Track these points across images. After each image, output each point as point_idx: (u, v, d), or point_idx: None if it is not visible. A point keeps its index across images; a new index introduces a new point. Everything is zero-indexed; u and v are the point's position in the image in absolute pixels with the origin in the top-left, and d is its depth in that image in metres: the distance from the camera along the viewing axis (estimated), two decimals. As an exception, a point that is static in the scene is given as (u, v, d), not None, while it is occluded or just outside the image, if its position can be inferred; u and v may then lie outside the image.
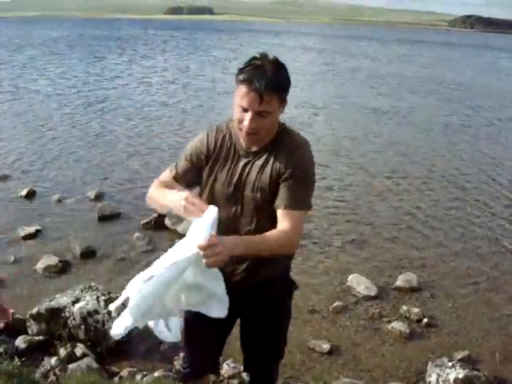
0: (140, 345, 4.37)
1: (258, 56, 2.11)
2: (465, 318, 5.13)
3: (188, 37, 60.16)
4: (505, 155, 11.59)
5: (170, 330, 2.26)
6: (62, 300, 4.35)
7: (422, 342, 4.73)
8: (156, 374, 3.86)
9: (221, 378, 3.91)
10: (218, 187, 2.26)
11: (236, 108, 2.11)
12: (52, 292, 4.92)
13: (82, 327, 4.21)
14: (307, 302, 5.08)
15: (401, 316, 5.06)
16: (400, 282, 5.61)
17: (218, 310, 2.14)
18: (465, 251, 6.68)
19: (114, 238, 6.63)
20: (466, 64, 38.66)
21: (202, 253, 1.85)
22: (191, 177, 2.34)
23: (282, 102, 2.13)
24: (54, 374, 3.72)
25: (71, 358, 3.97)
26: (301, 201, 2.17)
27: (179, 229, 6.52)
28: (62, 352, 4.03)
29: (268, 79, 2.02)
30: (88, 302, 4.31)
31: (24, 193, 7.82)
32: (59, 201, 7.75)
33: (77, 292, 4.46)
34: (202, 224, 1.92)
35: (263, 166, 2.19)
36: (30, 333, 4.33)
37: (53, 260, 5.71)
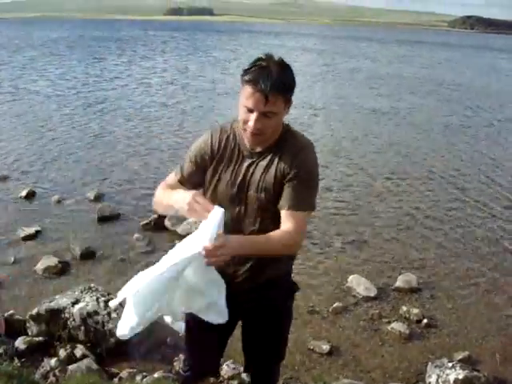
0: (140, 346, 4.37)
1: (263, 57, 2.12)
2: (465, 319, 5.13)
3: (188, 38, 60.17)
4: (504, 156, 11.59)
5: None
6: (62, 301, 4.35)
7: (421, 342, 4.73)
8: (156, 375, 3.86)
9: (221, 379, 3.91)
10: (222, 188, 2.26)
11: (241, 108, 2.12)
12: (52, 293, 4.93)
13: (82, 328, 4.21)
14: (307, 303, 5.08)
15: (400, 317, 5.06)
16: (400, 282, 5.61)
17: (215, 318, 2.15)
18: (464, 252, 6.68)
19: (114, 238, 6.63)
20: (465, 65, 38.67)
21: (203, 252, 1.85)
22: (197, 178, 2.33)
23: (287, 102, 2.14)
24: (54, 375, 3.72)
25: (71, 359, 3.96)
26: (304, 202, 2.18)
27: (179, 230, 6.53)
28: (62, 353, 4.03)
29: (273, 80, 2.02)
30: (88, 302, 4.31)
31: (24, 194, 7.82)
32: (59, 202, 7.75)
33: (76, 293, 4.46)
34: (208, 224, 1.92)
35: (267, 167, 2.20)
36: (29, 334, 4.32)
37: (52, 261, 5.71)
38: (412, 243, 6.85)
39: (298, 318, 4.64)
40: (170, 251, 1.98)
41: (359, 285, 5.49)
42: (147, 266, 2.13)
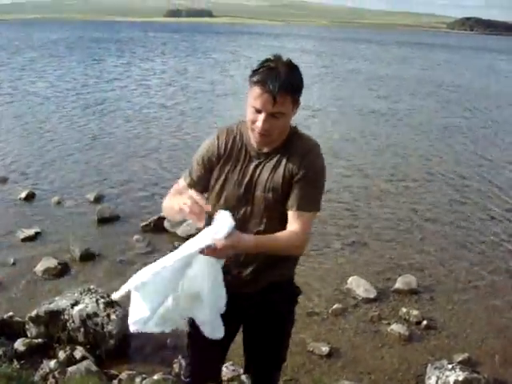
0: (139, 348, 4.37)
1: (271, 58, 2.12)
2: (464, 321, 5.12)
3: (187, 39, 60.25)
4: (502, 157, 11.60)
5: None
6: (61, 302, 4.34)
7: (421, 344, 4.72)
8: (155, 377, 3.85)
9: (220, 381, 3.90)
10: (229, 188, 2.26)
11: (249, 109, 2.13)
12: (51, 294, 4.92)
13: (82, 330, 4.21)
14: (307, 305, 5.08)
15: (400, 318, 5.06)
16: (399, 284, 5.61)
17: (210, 332, 2.17)
18: (464, 253, 6.68)
19: (114, 240, 6.63)
20: (464, 66, 38.69)
21: (213, 245, 1.89)
22: (206, 181, 2.33)
23: (295, 103, 2.15)
24: (53, 377, 3.71)
25: (70, 360, 3.96)
26: (312, 202, 2.20)
27: (179, 231, 6.52)
28: (61, 355, 4.03)
29: (282, 81, 2.03)
30: (87, 304, 4.31)
31: (23, 195, 7.82)
32: (58, 203, 7.75)
33: (76, 294, 4.45)
34: (218, 223, 1.94)
35: (275, 167, 2.20)
36: (29, 335, 4.32)
37: (52, 262, 5.70)
38: (411, 245, 6.86)
39: (298, 319, 4.61)
40: (177, 249, 1.98)
41: (359, 286, 5.49)
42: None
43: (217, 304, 2.09)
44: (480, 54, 60.19)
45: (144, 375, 3.90)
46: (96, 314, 4.24)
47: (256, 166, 2.23)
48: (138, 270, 2.01)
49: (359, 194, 8.69)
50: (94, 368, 3.84)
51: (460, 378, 3.84)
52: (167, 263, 1.94)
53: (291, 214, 2.18)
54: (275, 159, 2.21)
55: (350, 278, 5.65)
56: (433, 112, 17.32)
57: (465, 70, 35.03)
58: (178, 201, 2.04)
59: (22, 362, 3.95)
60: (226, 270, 2.09)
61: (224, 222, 1.93)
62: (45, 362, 3.88)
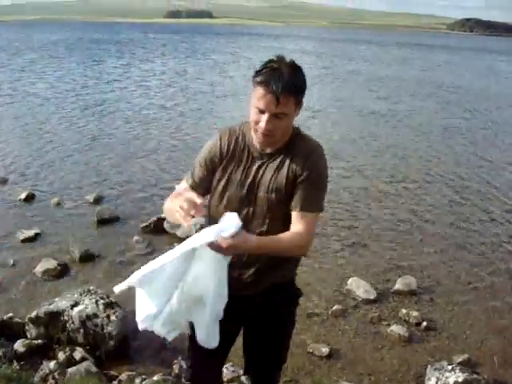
0: (139, 349, 4.37)
1: (274, 59, 2.13)
2: (464, 322, 5.13)
3: (187, 40, 60.26)
4: (502, 158, 11.60)
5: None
6: (61, 303, 4.34)
7: (421, 345, 4.72)
8: (155, 378, 3.85)
9: (221, 382, 3.90)
10: (231, 189, 2.26)
11: (252, 109, 2.14)
12: (51, 295, 4.93)
13: (81, 331, 4.21)
14: (307, 306, 5.08)
15: (400, 319, 5.06)
16: (399, 285, 5.61)
17: (205, 339, 2.17)
18: (464, 255, 6.68)
19: (113, 241, 6.62)
20: (464, 67, 38.70)
21: (220, 242, 1.91)
22: (208, 182, 2.33)
23: (298, 104, 2.16)
24: (53, 378, 3.71)
25: (70, 361, 3.96)
26: (315, 203, 2.22)
27: (178, 233, 6.52)
28: (61, 356, 4.03)
29: (285, 81, 2.04)
30: (87, 305, 4.31)
31: (23, 196, 7.82)
32: (58, 204, 7.75)
33: (76, 295, 4.45)
34: (226, 224, 1.96)
35: (278, 168, 2.21)
36: (28, 336, 4.32)
37: (52, 263, 5.71)
38: (411, 246, 6.86)
39: (298, 320, 4.59)
40: (180, 244, 2.00)
41: (359, 287, 5.49)
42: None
43: (217, 307, 2.09)
44: (480, 54, 60.20)
45: (144, 376, 3.91)
46: (96, 315, 4.24)
47: (259, 167, 2.23)
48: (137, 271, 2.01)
49: (359, 195, 8.69)
50: (93, 369, 3.84)
51: (460, 379, 3.84)
52: (171, 257, 1.95)
53: (295, 215, 2.18)
54: (278, 160, 2.22)
55: (350, 279, 5.65)
56: (433, 113, 17.33)
57: (465, 71, 35.04)
58: (175, 204, 2.05)
59: (22, 362, 3.95)
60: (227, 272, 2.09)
61: (232, 221, 1.95)
62: (44, 363, 3.89)
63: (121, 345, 4.28)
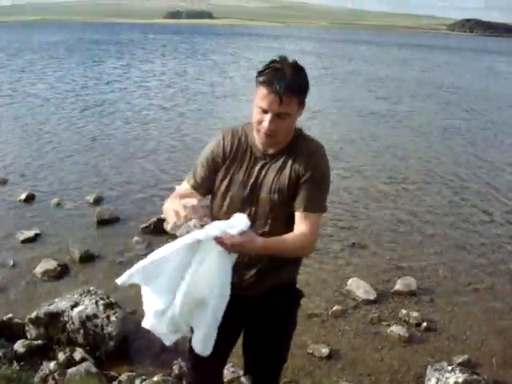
0: (139, 349, 4.37)
1: (277, 59, 2.15)
2: (464, 322, 5.12)
3: (187, 41, 60.28)
4: (502, 159, 11.60)
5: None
6: (61, 304, 4.34)
7: (421, 345, 4.72)
8: (155, 379, 3.85)
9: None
10: (234, 189, 2.26)
11: (255, 109, 2.15)
12: (51, 296, 4.92)
13: (81, 331, 4.21)
14: (306, 306, 5.07)
15: (400, 320, 5.06)
16: (399, 285, 5.61)
17: (199, 346, 2.16)
18: (464, 255, 6.68)
19: (113, 241, 6.62)
20: (464, 68, 38.72)
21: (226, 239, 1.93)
22: (210, 182, 2.33)
23: (301, 104, 2.17)
24: (53, 379, 3.71)
25: (70, 362, 3.96)
26: (318, 203, 2.22)
27: (178, 233, 6.50)
28: (61, 356, 4.03)
29: (288, 81, 2.05)
30: (87, 306, 4.31)
31: (23, 197, 7.82)
32: (58, 205, 7.75)
33: (76, 296, 4.45)
34: (234, 221, 1.99)
35: (281, 169, 2.22)
36: (28, 337, 4.32)
37: (52, 264, 5.70)
38: (411, 246, 6.86)
39: (298, 321, 4.63)
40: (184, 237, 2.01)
41: (359, 288, 5.49)
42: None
43: (219, 306, 2.08)
44: (480, 55, 60.20)
45: (144, 377, 3.90)
46: (96, 316, 4.24)
47: (261, 168, 2.24)
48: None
49: (359, 196, 8.69)
50: (93, 369, 3.84)
51: (460, 380, 3.84)
52: (173, 248, 1.98)
53: (298, 215, 2.19)
54: (281, 161, 2.23)
55: (350, 280, 5.64)
56: (432, 114, 17.33)
57: (465, 71, 35.04)
58: (171, 207, 2.06)
59: (22, 363, 3.95)
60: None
61: (240, 220, 1.97)
62: (44, 363, 3.89)
63: (121, 345, 4.28)
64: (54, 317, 4.26)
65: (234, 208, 2.21)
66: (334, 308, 5.14)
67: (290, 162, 2.21)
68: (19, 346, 4.12)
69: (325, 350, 4.47)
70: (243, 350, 2.63)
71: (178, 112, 15.61)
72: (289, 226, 2.20)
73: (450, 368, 3.99)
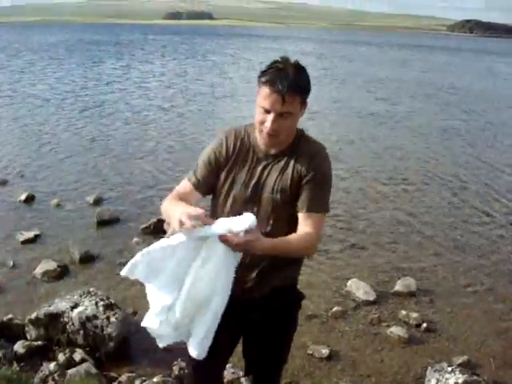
0: (139, 350, 4.37)
1: (279, 60, 2.16)
2: (464, 323, 5.12)
3: (187, 41, 60.31)
4: (501, 160, 11.60)
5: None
6: (61, 305, 4.34)
7: (421, 346, 4.72)
8: (155, 380, 3.85)
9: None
10: (236, 190, 2.27)
11: (257, 109, 2.16)
12: (51, 297, 4.91)
13: (81, 332, 4.21)
14: (306, 307, 5.06)
15: (400, 321, 5.06)
16: (399, 286, 5.61)
17: (193, 350, 2.15)
18: (463, 256, 6.68)
19: (113, 242, 6.62)
20: (464, 68, 38.74)
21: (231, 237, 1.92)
22: (212, 181, 2.33)
23: (303, 104, 2.19)
24: (53, 380, 3.71)
25: (70, 363, 3.96)
26: (321, 204, 2.23)
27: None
28: (61, 357, 4.02)
29: (290, 81, 2.07)
30: (87, 306, 4.31)
31: (23, 197, 7.82)
32: (58, 205, 7.75)
33: (75, 297, 4.45)
34: (241, 220, 1.97)
35: (283, 169, 2.23)
36: (28, 338, 4.32)
37: (51, 265, 5.70)
38: (411, 247, 6.86)
39: (298, 322, 4.64)
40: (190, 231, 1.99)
41: (358, 289, 5.49)
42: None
43: (218, 310, 2.07)
44: (480, 56, 60.23)
45: (144, 378, 3.90)
46: (95, 317, 4.24)
47: (264, 168, 2.25)
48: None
49: (358, 197, 8.69)
50: (93, 370, 3.84)
51: (460, 381, 3.84)
52: (177, 241, 1.97)
53: (302, 216, 2.20)
54: (283, 161, 2.24)
55: (350, 281, 5.64)
56: (432, 114, 17.33)
57: (464, 72, 35.06)
58: (175, 214, 2.03)
59: (22, 364, 3.95)
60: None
61: (247, 218, 1.96)
62: (44, 364, 3.88)
63: (121, 346, 4.28)
64: (54, 318, 4.26)
65: (236, 208, 2.22)
66: (333, 309, 5.14)
67: (292, 163, 2.22)
68: (19, 347, 4.12)
69: (325, 351, 4.47)
70: (243, 351, 2.62)
71: (178, 113, 15.62)
72: (290, 226, 2.21)
73: (449, 369, 3.99)
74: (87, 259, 6.04)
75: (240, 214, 2.11)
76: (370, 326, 4.99)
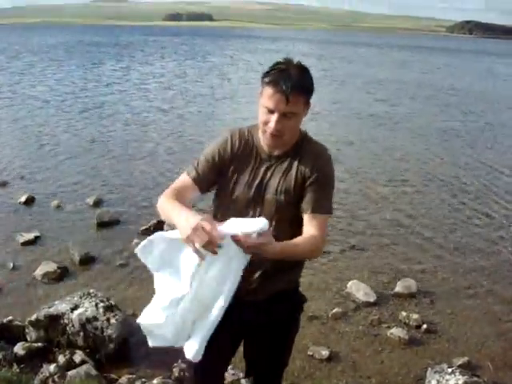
0: (139, 351, 4.36)
1: (282, 61, 2.17)
2: (464, 324, 5.12)
3: (186, 43, 60.36)
4: (500, 161, 11.58)
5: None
6: (61, 307, 4.34)
7: (421, 348, 4.72)
8: (155, 381, 3.85)
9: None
10: (239, 190, 2.27)
11: (261, 110, 2.16)
12: (51, 299, 4.91)
13: (81, 334, 4.21)
14: (306, 309, 4.99)
15: (400, 322, 5.05)
16: (399, 288, 5.60)
17: (188, 352, 2.13)
18: (463, 258, 6.67)
19: (113, 244, 6.62)
20: (464, 70, 38.76)
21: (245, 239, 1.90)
22: (212, 178, 2.32)
23: (307, 104, 2.19)
24: (53, 381, 3.71)
25: (70, 364, 3.95)
26: (325, 205, 2.24)
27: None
28: (61, 359, 4.02)
29: (294, 81, 2.08)
30: (87, 308, 4.30)
31: (23, 199, 7.82)
32: (58, 207, 7.75)
33: (76, 298, 4.45)
34: (254, 222, 1.97)
35: (287, 170, 2.23)
36: (28, 339, 4.32)
37: (52, 266, 5.70)
38: (411, 249, 6.85)
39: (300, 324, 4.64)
40: None
41: (358, 290, 5.49)
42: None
43: (220, 312, 2.06)
44: (479, 57, 60.31)
45: (144, 379, 3.90)
46: (96, 318, 4.24)
47: (267, 169, 2.25)
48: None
49: (358, 198, 8.69)
50: (93, 372, 3.84)
51: (460, 382, 3.84)
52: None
53: (307, 217, 2.20)
54: (286, 163, 2.24)
55: (350, 282, 5.64)
56: (432, 116, 17.33)
57: (464, 73, 35.09)
58: (180, 216, 2.01)
59: (22, 365, 3.95)
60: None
61: (260, 221, 1.95)
62: (44, 366, 3.88)
63: (121, 348, 4.28)
64: (54, 319, 4.26)
65: (238, 208, 2.22)
66: (334, 310, 5.14)
67: (295, 164, 2.23)
68: (19, 349, 4.12)
69: (325, 353, 4.47)
70: (244, 353, 2.62)
71: (178, 114, 15.62)
72: (292, 226, 2.21)
73: (450, 370, 3.99)
74: (87, 261, 6.03)
75: (243, 214, 2.11)
76: (371, 327, 4.98)
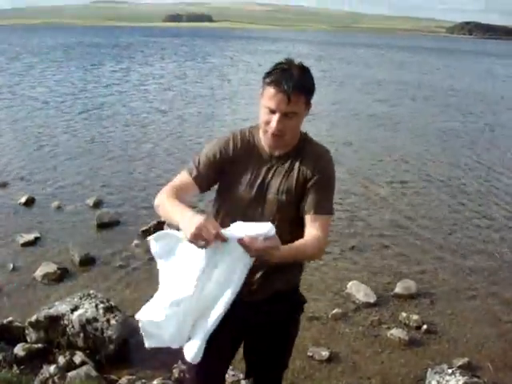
0: (139, 352, 4.35)
1: (284, 61, 2.18)
2: (464, 325, 5.12)
3: (186, 44, 60.37)
4: (499, 162, 11.59)
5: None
6: (61, 308, 4.34)
7: (421, 348, 4.72)
8: (155, 382, 3.85)
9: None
10: (240, 190, 2.27)
11: (262, 110, 2.17)
12: (51, 300, 4.92)
13: (81, 335, 4.21)
14: (306, 309, 4.99)
15: (400, 323, 5.05)
16: (399, 289, 5.60)
17: (187, 352, 2.13)
18: (463, 258, 6.67)
19: (113, 245, 6.61)
20: (463, 70, 38.77)
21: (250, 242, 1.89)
22: (212, 177, 2.31)
23: (308, 104, 2.20)
24: (53, 382, 3.70)
25: (70, 365, 3.95)
26: (327, 206, 2.24)
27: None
28: (61, 360, 4.02)
29: (295, 81, 2.08)
30: (87, 309, 4.30)
31: (23, 200, 7.82)
32: (58, 208, 7.75)
33: (76, 299, 4.45)
34: (260, 226, 1.97)
35: (288, 171, 2.24)
36: (28, 340, 4.31)
37: (52, 267, 5.70)
38: (411, 250, 6.85)
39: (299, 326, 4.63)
40: None
41: (359, 291, 5.49)
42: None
43: (221, 313, 2.06)
44: (479, 58, 60.32)
45: (144, 380, 3.90)
46: (96, 319, 4.24)
47: (268, 169, 2.26)
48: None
49: (358, 199, 8.68)
50: (93, 373, 3.84)
51: (460, 383, 3.84)
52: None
53: (309, 218, 2.20)
54: (288, 163, 2.25)
55: (350, 283, 5.64)
56: (431, 116, 17.33)
57: (464, 74, 35.10)
58: (182, 215, 1.99)
59: (22, 367, 3.94)
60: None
61: (266, 225, 1.95)
62: (44, 367, 3.88)
63: (121, 349, 4.28)
64: (54, 320, 4.26)
65: (240, 208, 2.23)
66: (334, 311, 5.14)
67: (297, 165, 2.23)
68: (19, 350, 4.12)
69: (325, 353, 4.47)
70: (244, 354, 2.62)
71: (177, 115, 15.62)
72: (292, 226, 2.21)
73: (450, 371, 3.99)
74: (87, 262, 6.03)
75: (244, 213, 2.11)
76: (371, 328, 4.98)
